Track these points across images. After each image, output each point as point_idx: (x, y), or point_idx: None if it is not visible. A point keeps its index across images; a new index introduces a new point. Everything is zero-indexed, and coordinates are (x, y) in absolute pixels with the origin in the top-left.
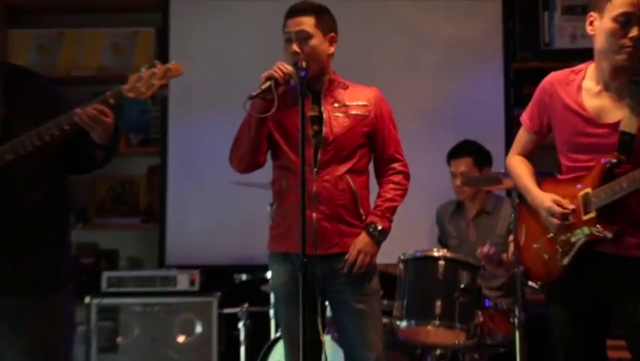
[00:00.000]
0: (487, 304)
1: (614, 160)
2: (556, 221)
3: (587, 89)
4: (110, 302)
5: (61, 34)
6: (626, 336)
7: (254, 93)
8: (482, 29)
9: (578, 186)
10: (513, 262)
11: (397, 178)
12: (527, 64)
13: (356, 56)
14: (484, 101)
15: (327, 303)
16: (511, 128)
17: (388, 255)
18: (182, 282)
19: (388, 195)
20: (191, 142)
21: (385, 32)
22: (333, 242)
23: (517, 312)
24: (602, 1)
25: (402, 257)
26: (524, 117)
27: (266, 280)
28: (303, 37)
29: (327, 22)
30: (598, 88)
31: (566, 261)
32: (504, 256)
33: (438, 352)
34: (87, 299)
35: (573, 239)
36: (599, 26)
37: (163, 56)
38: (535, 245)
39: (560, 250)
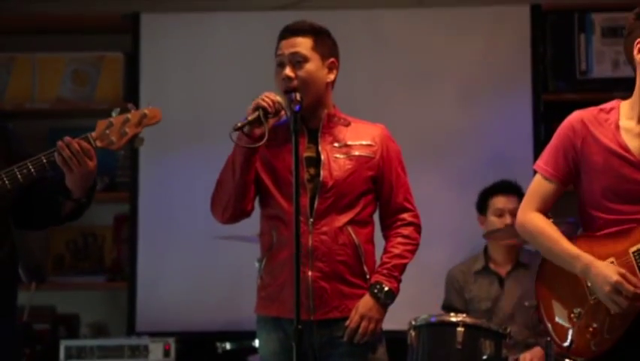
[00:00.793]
0: None
1: None
2: (623, 303)
3: (626, 128)
4: None
5: (12, 58)
6: None
7: (240, 124)
8: (508, 55)
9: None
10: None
11: (407, 231)
12: (560, 96)
13: (361, 87)
14: (509, 139)
15: None
16: None
17: (397, 320)
18: (156, 352)
19: (396, 251)
20: (166, 186)
21: (395, 58)
22: (331, 305)
23: None
24: None
25: (413, 323)
26: (541, 164)
27: (254, 350)
28: (298, 61)
29: (326, 45)
30: (639, 127)
31: (617, 332)
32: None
33: None
34: None
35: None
36: None
37: (132, 85)
38: (573, 314)
39: (610, 319)
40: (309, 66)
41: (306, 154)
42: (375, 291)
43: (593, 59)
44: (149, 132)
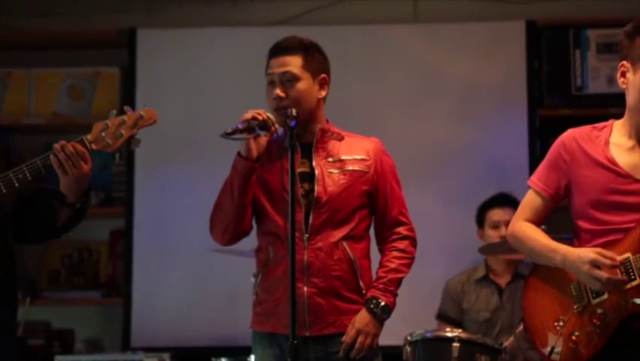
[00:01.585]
0: None
1: None
2: (603, 275)
3: (616, 144)
4: None
5: (8, 74)
6: None
7: (230, 129)
8: (503, 70)
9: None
10: None
11: (402, 245)
12: (556, 111)
13: (354, 101)
14: (505, 154)
15: None
16: None
17: (393, 335)
18: None
19: (392, 265)
20: (161, 202)
21: (391, 74)
22: (327, 321)
23: None
24: (634, 49)
25: (409, 338)
26: (535, 180)
27: None
28: (288, 80)
29: (317, 61)
30: (631, 143)
31: (600, 340)
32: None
33: None
34: None
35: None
36: (632, 81)
37: (129, 100)
38: (556, 323)
39: (593, 326)
40: (300, 85)
41: (300, 169)
42: (372, 306)
43: (589, 75)
44: (145, 146)
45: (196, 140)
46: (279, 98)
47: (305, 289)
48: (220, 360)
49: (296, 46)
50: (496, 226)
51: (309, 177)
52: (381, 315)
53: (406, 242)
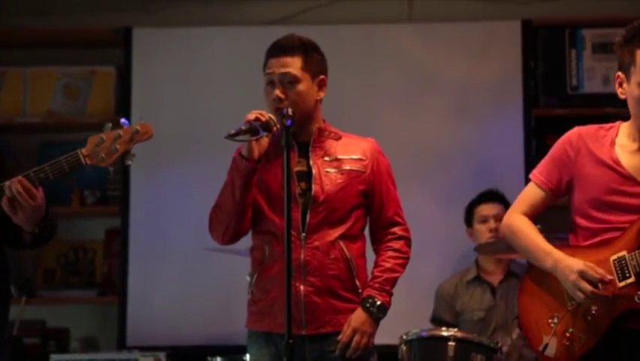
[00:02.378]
0: None
1: None
2: (588, 288)
3: (621, 145)
4: None
5: (3, 72)
6: None
7: (233, 131)
8: (499, 70)
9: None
10: None
11: (398, 245)
12: (551, 111)
13: (349, 100)
14: (500, 154)
15: None
16: None
17: (388, 334)
18: None
19: (387, 265)
20: (157, 200)
21: (386, 73)
22: (323, 320)
23: None
24: (625, 58)
25: (405, 337)
26: (537, 173)
27: None
28: (289, 81)
29: (316, 62)
30: (635, 145)
31: (593, 338)
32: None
33: None
34: None
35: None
36: (628, 91)
37: (124, 100)
38: (551, 320)
39: (587, 324)
40: (300, 87)
41: (297, 168)
42: (368, 305)
43: (584, 75)
44: (140, 146)
45: (191, 139)
46: (279, 99)
47: (301, 288)
48: (216, 359)
49: (296, 46)
50: (484, 220)
51: (307, 176)
52: (377, 314)
53: (402, 242)
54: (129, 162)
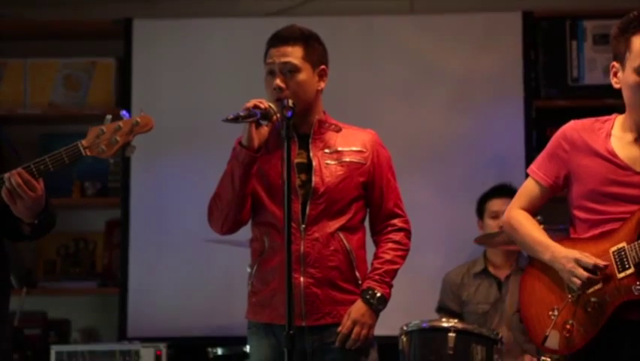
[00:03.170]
0: None
1: None
2: (584, 273)
3: (617, 136)
4: None
5: (3, 64)
6: None
7: (231, 116)
8: (500, 61)
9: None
10: None
11: (398, 237)
12: (552, 102)
13: (350, 92)
14: (501, 145)
15: None
16: None
17: (389, 325)
18: (147, 357)
19: (387, 257)
20: (158, 192)
21: (387, 65)
22: (323, 311)
23: None
24: (621, 48)
25: (405, 328)
26: (534, 168)
27: (246, 355)
28: (289, 71)
29: (317, 52)
30: (632, 136)
31: (593, 330)
32: None
33: None
34: None
35: (604, 301)
36: (623, 79)
37: (124, 91)
38: (551, 313)
39: (587, 315)
40: (301, 76)
41: (297, 160)
42: (368, 297)
43: (585, 66)
44: (141, 137)
45: (192, 130)
46: (280, 88)
47: (301, 279)
48: (216, 350)
49: (297, 36)
50: (495, 216)
51: (307, 167)
52: (377, 306)
53: (402, 234)
54: (130, 154)
